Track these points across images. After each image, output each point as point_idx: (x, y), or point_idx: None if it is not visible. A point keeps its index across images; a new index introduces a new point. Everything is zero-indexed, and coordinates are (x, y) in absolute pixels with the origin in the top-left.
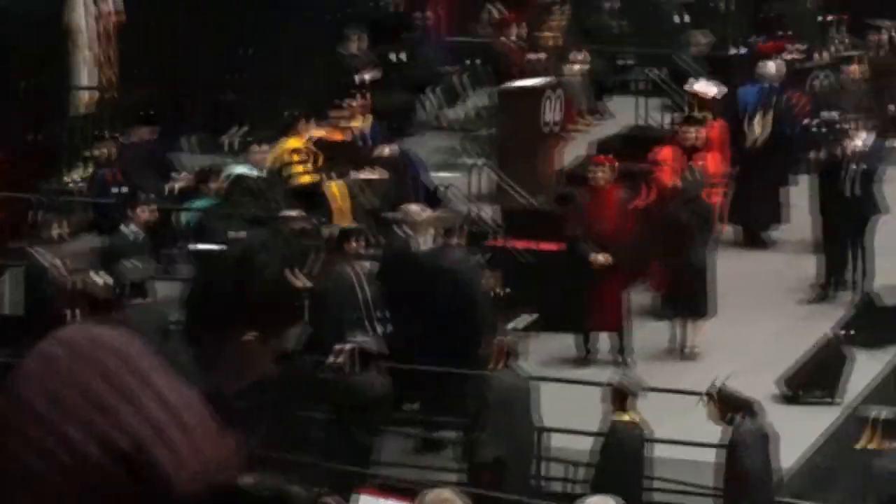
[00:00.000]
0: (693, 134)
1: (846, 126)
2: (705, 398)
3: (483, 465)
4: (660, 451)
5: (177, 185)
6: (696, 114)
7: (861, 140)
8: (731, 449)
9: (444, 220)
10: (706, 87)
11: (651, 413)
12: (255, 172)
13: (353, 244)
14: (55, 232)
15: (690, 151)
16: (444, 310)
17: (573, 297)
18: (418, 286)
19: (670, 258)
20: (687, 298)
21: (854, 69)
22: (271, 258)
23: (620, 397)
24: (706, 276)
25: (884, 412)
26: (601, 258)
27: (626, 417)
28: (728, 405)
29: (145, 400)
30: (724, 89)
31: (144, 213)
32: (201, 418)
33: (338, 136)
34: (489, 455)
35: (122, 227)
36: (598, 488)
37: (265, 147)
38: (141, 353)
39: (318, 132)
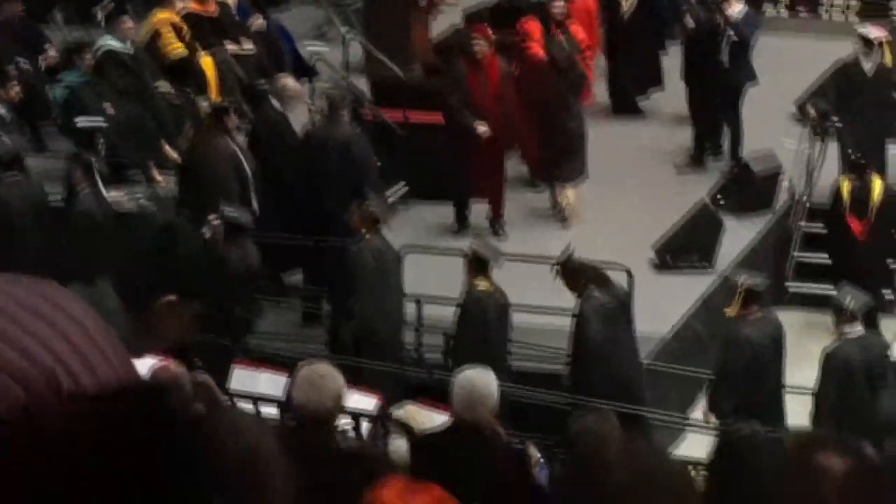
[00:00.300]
0: (560, 8)
1: None
2: (555, 269)
3: (348, 336)
4: (524, 319)
5: (42, 61)
6: None
7: (736, 9)
8: (576, 318)
9: (331, 93)
10: None
11: (518, 280)
12: (124, 46)
13: (232, 119)
14: None
15: (557, 24)
16: (333, 182)
17: (450, 166)
18: (307, 159)
19: (547, 124)
20: (564, 162)
21: None
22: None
23: (477, 265)
24: (582, 141)
25: (748, 278)
26: (482, 127)
27: (481, 286)
28: (576, 275)
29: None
30: None
31: (11, 90)
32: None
33: (209, 9)
34: (353, 326)
35: None
36: (457, 358)
37: (132, 21)
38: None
39: (190, 5)
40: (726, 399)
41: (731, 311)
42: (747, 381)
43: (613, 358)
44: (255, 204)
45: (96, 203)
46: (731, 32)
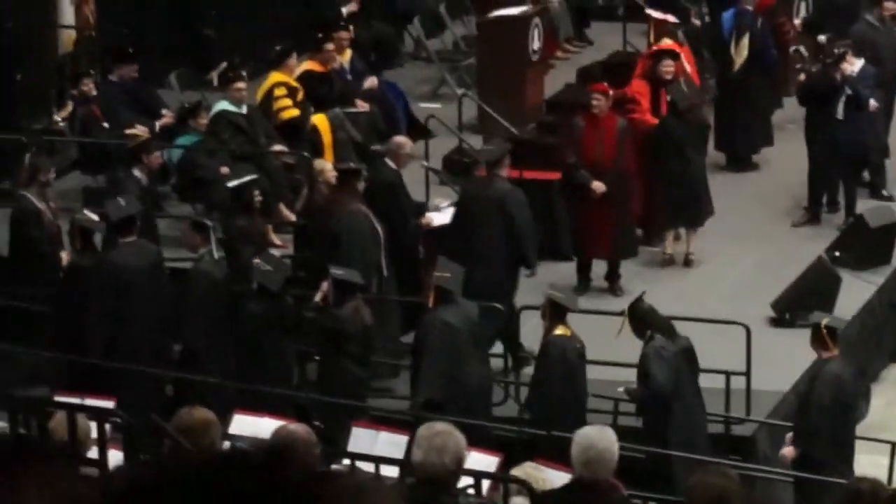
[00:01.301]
0: (670, 67)
1: (839, 51)
2: (624, 314)
3: (418, 406)
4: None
5: (158, 123)
6: (667, 47)
7: (855, 66)
8: (639, 365)
9: (487, 152)
10: (664, 14)
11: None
12: (235, 108)
13: (359, 182)
14: (42, 176)
15: (665, 84)
16: (487, 243)
17: (568, 225)
18: (463, 216)
19: (670, 171)
20: (688, 208)
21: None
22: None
23: (555, 311)
24: (704, 185)
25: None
26: (599, 186)
27: (559, 331)
28: (643, 322)
29: None
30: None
31: (154, 160)
32: None
33: (322, 70)
34: (421, 396)
35: (135, 171)
36: (537, 404)
37: (244, 82)
38: None
39: (305, 65)
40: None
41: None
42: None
43: (676, 404)
44: (384, 266)
45: (214, 264)
46: (848, 90)
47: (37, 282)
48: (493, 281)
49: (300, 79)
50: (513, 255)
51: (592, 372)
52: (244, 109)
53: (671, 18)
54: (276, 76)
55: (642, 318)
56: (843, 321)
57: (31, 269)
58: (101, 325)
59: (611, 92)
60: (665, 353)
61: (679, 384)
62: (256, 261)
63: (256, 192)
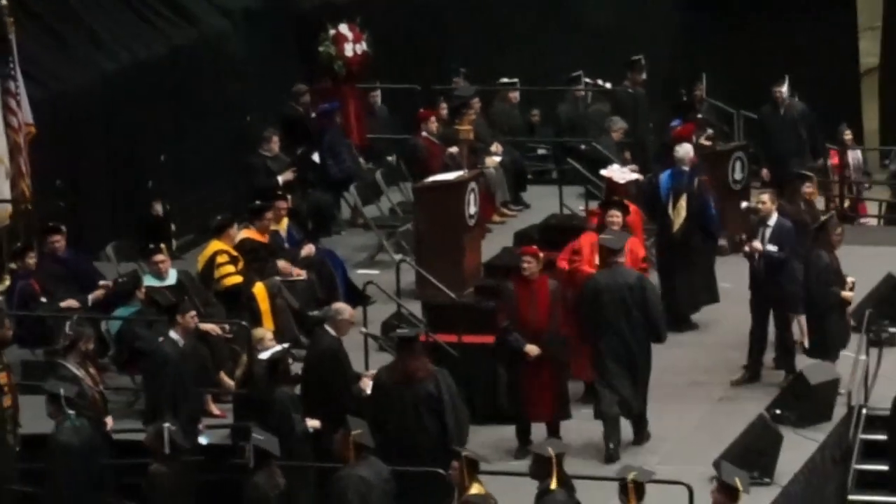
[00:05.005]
0: (617, 218)
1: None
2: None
3: None
4: None
5: (90, 297)
6: (614, 198)
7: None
8: None
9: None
10: (618, 173)
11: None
12: (158, 281)
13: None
14: (83, 345)
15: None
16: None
17: (506, 389)
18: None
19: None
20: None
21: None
22: None
23: (470, 468)
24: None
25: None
26: (533, 349)
27: (474, 489)
28: (542, 468)
29: None
30: (639, 175)
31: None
32: None
33: (261, 238)
34: None
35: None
36: None
37: (163, 255)
38: None
39: (244, 234)
40: None
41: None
42: None
43: None
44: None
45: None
46: (771, 251)
47: None
48: None
49: (240, 245)
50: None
51: None
52: (171, 280)
53: (624, 178)
54: (216, 244)
55: (542, 464)
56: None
57: None
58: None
59: (541, 254)
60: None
61: None
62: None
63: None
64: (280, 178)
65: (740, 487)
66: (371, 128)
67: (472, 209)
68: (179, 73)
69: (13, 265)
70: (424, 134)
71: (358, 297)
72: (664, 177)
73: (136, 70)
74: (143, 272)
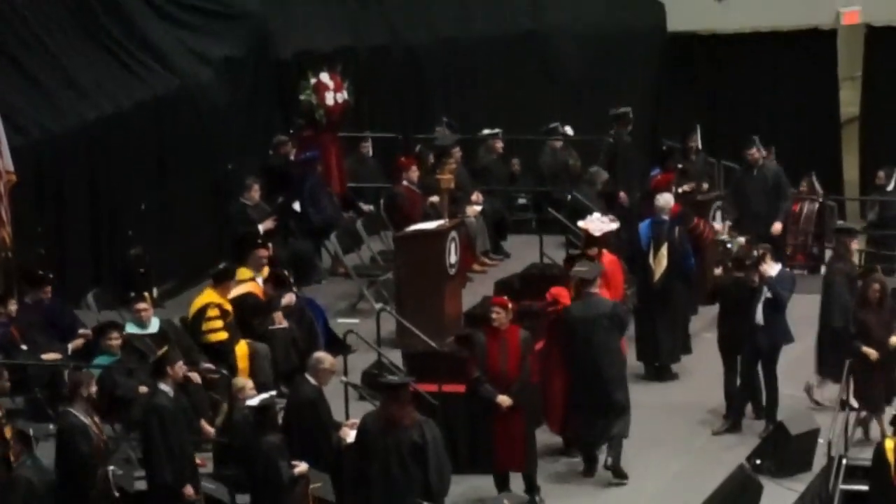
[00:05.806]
0: (593, 270)
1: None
2: None
3: None
4: None
5: (70, 346)
6: (587, 251)
7: (773, 270)
8: None
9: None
10: (595, 224)
11: None
12: (140, 329)
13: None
14: (84, 390)
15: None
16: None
17: (481, 438)
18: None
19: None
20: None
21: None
22: None
23: None
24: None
25: None
26: (505, 400)
27: None
28: None
29: None
30: (617, 225)
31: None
32: None
33: (261, 297)
34: None
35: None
36: None
37: (145, 303)
38: None
39: (245, 289)
40: None
41: None
42: None
43: None
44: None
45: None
46: (768, 292)
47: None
48: None
49: (240, 303)
50: None
51: None
52: (154, 328)
53: (600, 229)
54: (210, 295)
55: None
56: None
57: (80, 486)
58: None
59: (510, 305)
60: None
61: None
62: None
63: None
64: (261, 227)
65: None
66: (361, 176)
67: (453, 258)
68: (160, 121)
69: None
70: (405, 182)
71: (338, 346)
72: (643, 226)
73: (117, 118)
74: (125, 320)
